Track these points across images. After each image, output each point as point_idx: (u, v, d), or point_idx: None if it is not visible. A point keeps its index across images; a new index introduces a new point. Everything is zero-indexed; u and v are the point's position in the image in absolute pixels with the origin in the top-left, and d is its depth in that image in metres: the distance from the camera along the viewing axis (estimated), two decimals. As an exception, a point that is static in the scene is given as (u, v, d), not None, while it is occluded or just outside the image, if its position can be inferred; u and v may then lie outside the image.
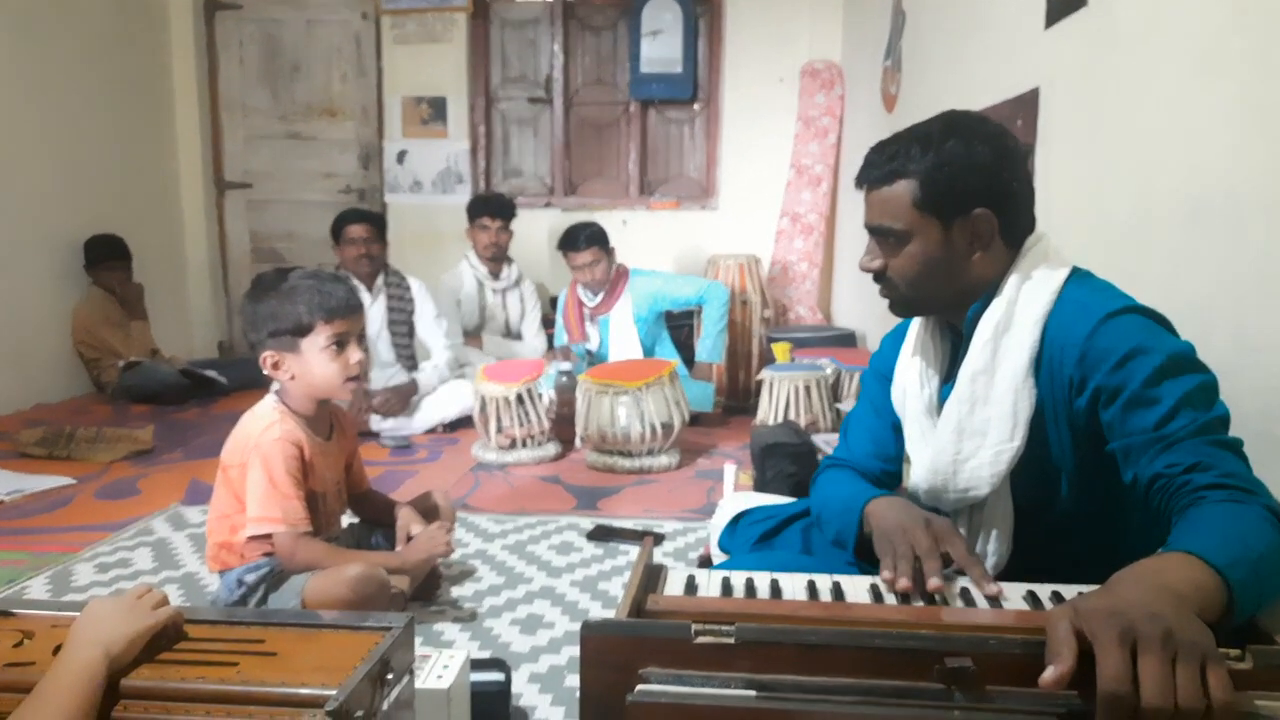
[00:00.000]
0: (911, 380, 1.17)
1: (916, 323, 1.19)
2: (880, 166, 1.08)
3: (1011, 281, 1.05)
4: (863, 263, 1.13)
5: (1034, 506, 1.08)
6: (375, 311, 3.15)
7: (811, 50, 4.26)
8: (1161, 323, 1.00)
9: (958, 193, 1.04)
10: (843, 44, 4.22)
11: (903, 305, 1.13)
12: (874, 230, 1.11)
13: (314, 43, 4.49)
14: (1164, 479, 0.92)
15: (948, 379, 1.14)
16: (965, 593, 0.93)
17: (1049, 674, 0.68)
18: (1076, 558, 1.03)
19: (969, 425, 1.07)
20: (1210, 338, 1.01)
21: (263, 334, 1.48)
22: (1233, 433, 0.94)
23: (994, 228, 1.05)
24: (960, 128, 1.06)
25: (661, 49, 4.33)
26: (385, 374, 3.22)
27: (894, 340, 1.26)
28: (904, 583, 0.92)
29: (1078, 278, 1.06)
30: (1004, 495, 1.08)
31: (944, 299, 1.11)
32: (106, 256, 3.69)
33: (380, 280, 3.20)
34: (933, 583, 0.91)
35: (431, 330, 3.28)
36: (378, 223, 3.21)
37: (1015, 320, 1.04)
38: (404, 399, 3.07)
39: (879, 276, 1.12)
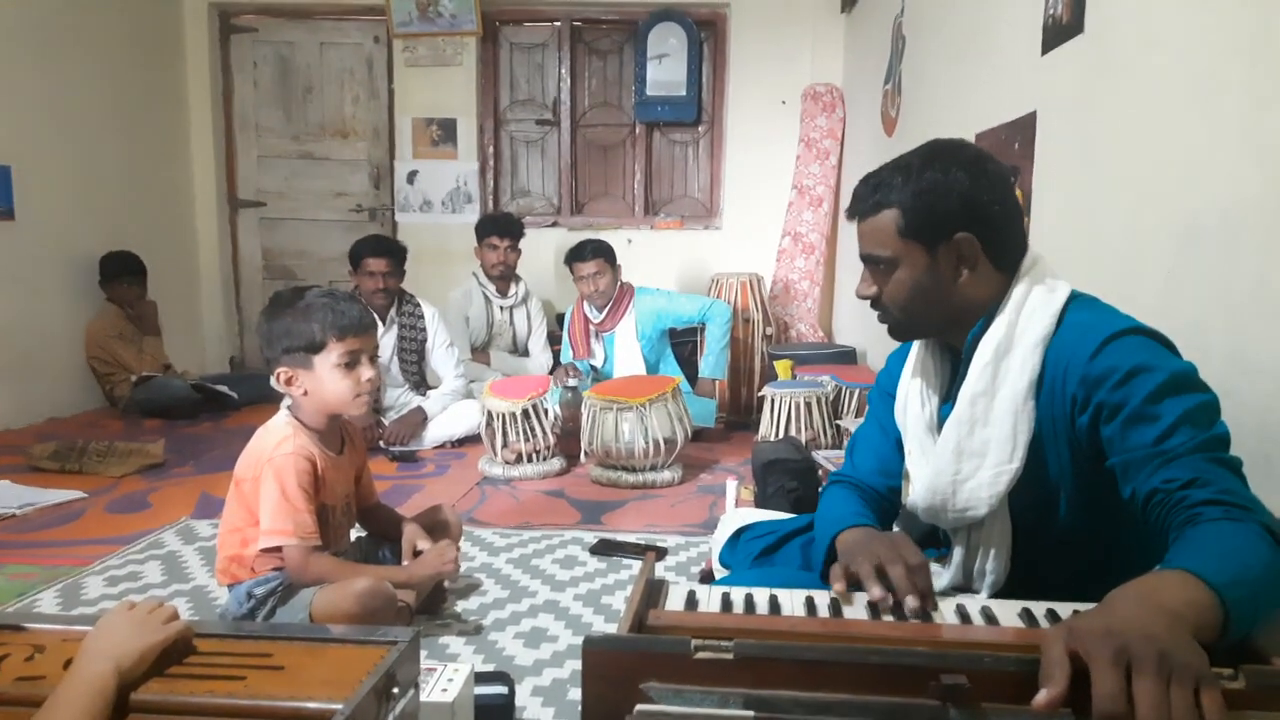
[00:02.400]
0: (912, 399, 1.18)
1: (918, 343, 1.21)
2: (866, 199, 1.11)
3: (1011, 304, 1.07)
4: (858, 290, 1.17)
5: (1032, 526, 1.09)
6: (386, 341, 3.17)
7: (813, 73, 4.31)
8: (1165, 344, 1.01)
9: (937, 218, 1.06)
10: (844, 67, 4.27)
11: (899, 329, 1.16)
12: (866, 259, 1.14)
13: (327, 65, 4.57)
14: (1161, 494, 0.92)
15: (947, 398, 1.15)
16: (960, 609, 0.94)
17: (1042, 696, 0.69)
18: (1075, 576, 1.04)
19: (968, 446, 1.08)
20: (1206, 359, 1.02)
21: (277, 350, 1.51)
22: (1229, 453, 0.95)
23: (977, 250, 1.07)
24: (939, 156, 1.08)
25: (666, 72, 4.39)
26: (394, 394, 3.24)
27: (899, 358, 1.28)
28: (878, 594, 0.94)
29: (1079, 300, 1.07)
30: (1002, 515, 1.09)
31: (938, 321, 1.13)
32: (121, 272, 3.73)
33: (393, 312, 3.21)
34: (910, 602, 0.93)
35: (443, 360, 3.29)
36: (398, 256, 3.17)
37: (1016, 342, 1.05)
38: (412, 429, 3.09)
39: (875, 303, 1.15)
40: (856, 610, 0.94)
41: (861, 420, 2.69)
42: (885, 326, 1.17)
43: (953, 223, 1.06)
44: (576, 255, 3.31)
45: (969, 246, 1.07)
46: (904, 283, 1.10)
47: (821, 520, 1.21)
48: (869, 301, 1.16)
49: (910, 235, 1.08)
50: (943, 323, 1.13)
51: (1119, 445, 0.97)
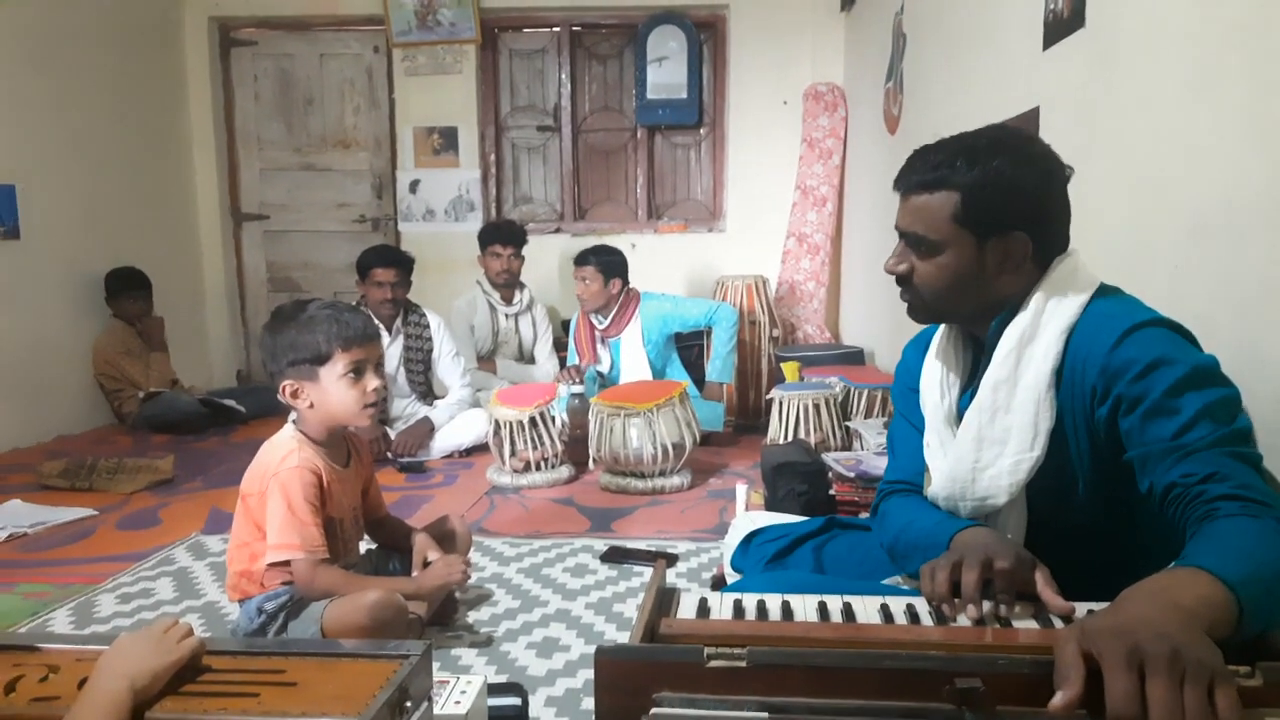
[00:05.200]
0: (932, 389, 1.17)
1: (939, 333, 1.20)
2: (923, 173, 1.07)
3: (1039, 295, 1.05)
4: (889, 265, 1.13)
5: (1050, 516, 1.08)
6: (392, 351, 3.18)
7: (814, 73, 4.31)
8: (1186, 336, 1.01)
9: (998, 213, 1.04)
10: (845, 66, 4.27)
11: (922, 311, 1.14)
12: (905, 235, 1.10)
13: (327, 76, 4.59)
14: (1179, 488, 0.92)
15: (967, 388, 1.14)
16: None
17: (1058, 699, 0.68)
18: (1090, 568, 1.03)
19: (989, 434, 1.07)
20: (1215, 353, 1.02)
21: (282, 364, 1.51)
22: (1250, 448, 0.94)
23: (1028, 251, 1.05)
24: (1009, 146, 1.05)
25: (667, 75, 4.39)
26: (401, 404, 3.25)
27: (916, 351, 1.26)
28: (974, 614, 0.91)
29: (1105, 293, 1.06)
30: (1020, 504, 1.08)
31: (965, 311, 1.12)
32: (127, 288, 3.75)
33: (399, 322, 3.22)
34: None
35: (449, 369, 3.30)
36: (406, 266, 3.19)
37: (1040, 332, 1.04)
38: (420, 439, 3.09)
39: (902, 280, 1.12)
40: (869, 614, 0.93)
41: (871, 420, 2.68)
42: (906, 305, 1.15)
43: (1012, 219, 1.04)
44: (579, 259, 3.35)
45: (1021, 245, 1.05)
46: (944, 268, 1.07)
47: (907, 529, 1.15)
48: (895, 277, 1.13)
49: (964, 223, 1.05)
50: (969, 312, 1.12)
51: (1138, 438, 0.97)
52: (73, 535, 2.31)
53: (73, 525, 2.38)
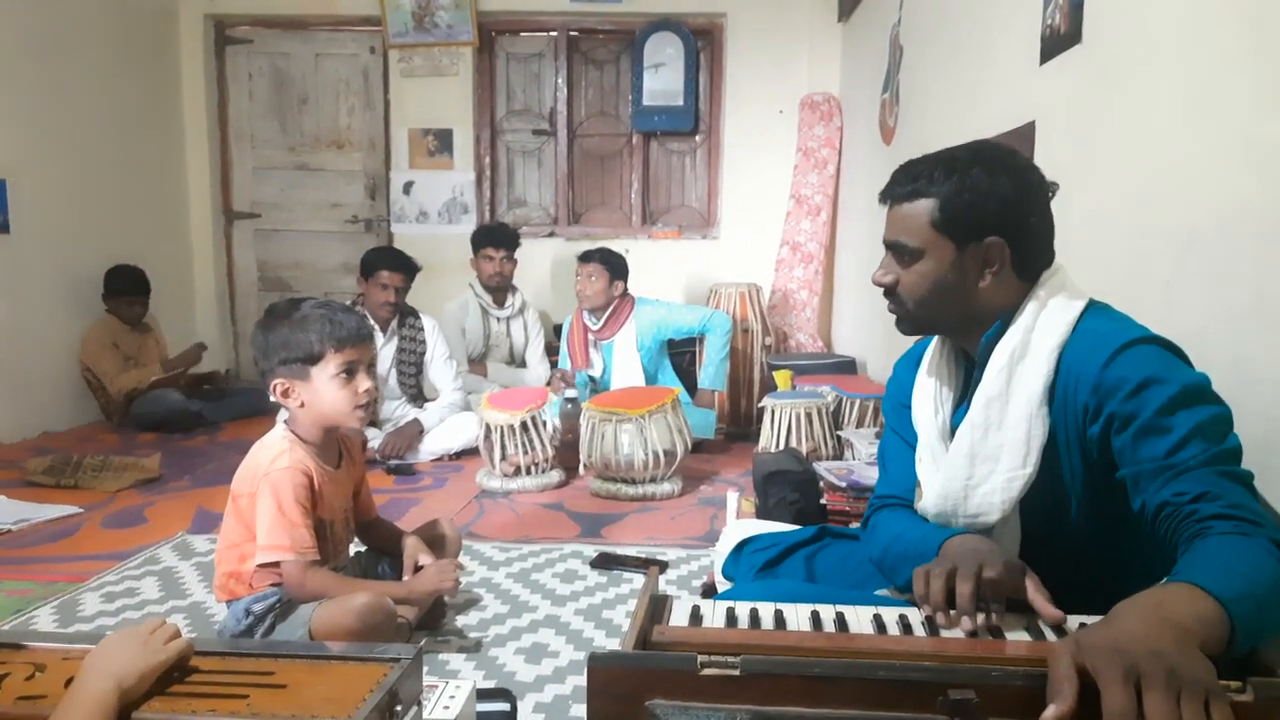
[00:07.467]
0: (925, 405, 1.18)
1: (931, 348, 1.21)
2: (904, 184, 1.11)
3: (1028, 310, 1.07)
4: (875, 276, 1.15)
5: (1043, 533, 1.09)
6: (386, 353, 3.18)
7: (810, 83, 4.33)
8: (1178, 354, 1.01)
9: (974, 218, 1.06)
10: (841, 77, 4.29)
11: (909, 323, 1.15)
12: (890, 245, 1.14)
13: (322, 76, 4.58)
14: (1171, 507, 0.93)
15: (959, 405, 1.15)
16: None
17: (1050, 712, 0.69)
18: (1083, 584, 1.03)
19: (981, 451, 1.08)
20: (1207, 369, 1.02)
21: (273, 362, 1.50)
22: (1240, 467, 0.95)
23: (1006, 258, 1.07)
24: (987, 157, 1.08)
25: (663, 81, 4.41)
26: (391, 406, 3.24)
27: (907, 366, 1.27)
28: (948, 619, 0.91)
29: (1095, 309, 1.07)
30: (1013, 521, 1.09)
31: (950, 321, 1.13)
32: (127, 290, 3.69)
33: (394, 324, 3.22)
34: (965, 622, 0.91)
35: (442, 372, 3.29)
36: (412, 273, 3.20)
37: (1031, 348, 1.06)
38: (408, 441, 3.08)
39: (889, 292, 1.14)
40: (862, 624, 0.93)
41: (863, 429, 2.68)
42: (894, 318, 1.17)
43: (988, 226, 1.06)
44: (583, 256, 3.36)
45: (998, 252, 1.07)
46: (925, 275, 1.10)
47: (896, 542, 1.15)
48: (882, 290, 1.15)
49: (942, 229, 1.07)
50: (955, 322, 1.13)
51: (1130, 457, 0.97)
52: (57, 533, 2.29)
53: (57, 523, 2.36)
